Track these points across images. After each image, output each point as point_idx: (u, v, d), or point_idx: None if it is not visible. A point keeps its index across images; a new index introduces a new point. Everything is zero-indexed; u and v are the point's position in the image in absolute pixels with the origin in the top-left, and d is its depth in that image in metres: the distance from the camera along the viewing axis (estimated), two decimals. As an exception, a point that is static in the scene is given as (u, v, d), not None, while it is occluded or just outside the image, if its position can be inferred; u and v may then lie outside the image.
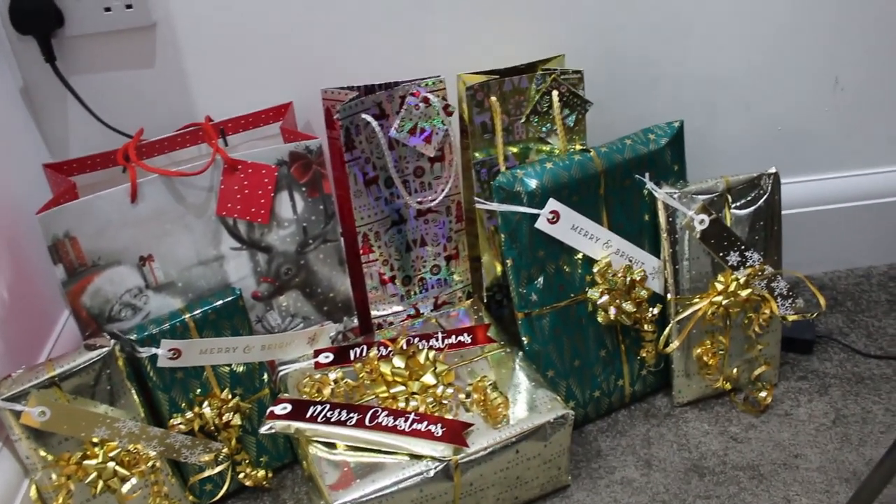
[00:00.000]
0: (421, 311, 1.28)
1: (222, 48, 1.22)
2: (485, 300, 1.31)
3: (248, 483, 1.15)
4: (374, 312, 1.25)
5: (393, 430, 1.04)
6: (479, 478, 1.04)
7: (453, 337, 1.20)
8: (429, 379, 1.10)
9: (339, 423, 1.05)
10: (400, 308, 1.27)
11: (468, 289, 1.31)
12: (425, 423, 1.05)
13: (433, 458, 1.02)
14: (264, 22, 1.21)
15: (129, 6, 1.16)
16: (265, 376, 1.15)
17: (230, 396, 1.12)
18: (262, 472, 1.16)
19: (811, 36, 1.32)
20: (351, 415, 1.06)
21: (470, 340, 1.19)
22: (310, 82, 1.23)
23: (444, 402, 1.08)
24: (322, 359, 1.18)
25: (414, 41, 1.26)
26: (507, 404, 1.07)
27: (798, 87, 1.36)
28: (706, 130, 1.37)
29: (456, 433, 1.03)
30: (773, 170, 1.19)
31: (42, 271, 1.19)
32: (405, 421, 1.05)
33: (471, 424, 1.05)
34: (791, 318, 1.21)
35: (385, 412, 1.06)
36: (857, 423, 1.21)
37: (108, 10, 1.16)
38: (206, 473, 1.12)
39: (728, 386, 1.25)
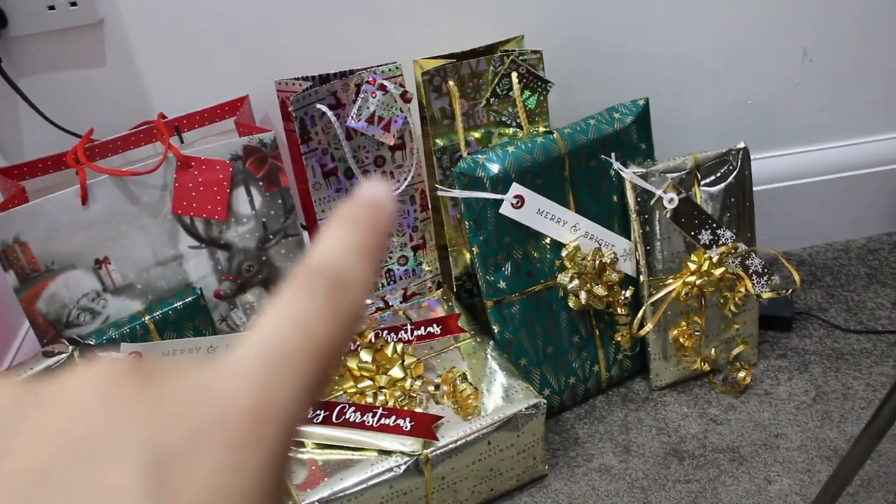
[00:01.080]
0: (390, 303, 1.25)
1: (173, 43, 1.19)
2: (454, 290, 1.29)
3: (217, 486, 1.13)
4: (341, 307, 1.23)
5: (360, 426, 1.02)
6: (451, 471, 1.02)
7: (422, 328, 1.17)
8: (396, 372, 1.07)
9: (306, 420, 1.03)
10: (368, 301, 1.24)
11: (438, 278, 1.29)
12: (393, 417, 1.02)
13: (402, 454, 0.99)
14: (216, 14, 1.18)
15: (73, 4, 1.13)
16: (231, 376, 1.12)
17: (195, 399, 1.09)
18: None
19: (778, 8, 1.30)
20: (318, 411, 1.04)
21: (440, 331, 1.17)
22: (265, 74, 1.20)
23: (413, 395, 1.06)
24: (288, 356, 1.15)
25: (369, 27, 1.23)
26: (478, 395, 1.05)
27: (766, 60, 1.34)
28: (674, 108, 1.35)
29: (425, 427, 1.01)
30: (741, 145, 1.17)
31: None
32: (373, 416, 1.02)
33: (440, 417, 1.03)
34: (766, 295, 1.18)
35: (352, 408, 1.04)
36: (837, 399, 1.19)
37: (52, 8, 1.12)
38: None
39: (706, 367, 1.22)
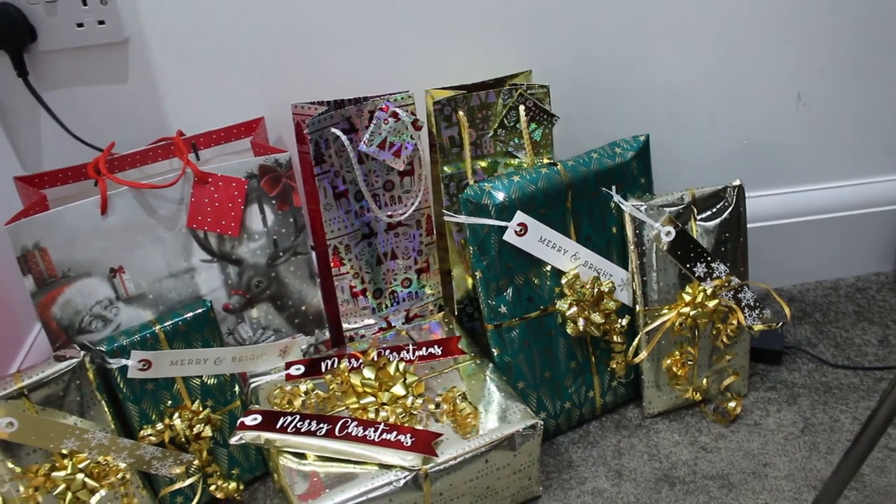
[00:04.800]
0: (392, 324, 1.29)
1: (194, 64, 1.23)
2: (456, 313, 1.32)
3: (219, 495, 1.15)
4: (345, 325, 1.26)
5: (362, 440, 1.04)
6: (448, 487, 1.05)
7: (424, 349, 1.21)
8: (398, 390, 1.11)
9: (309, 433, 1.06)
10: (371, 321, 1.27)
11: (439, 302, 1.32)
12: (395, 433, 1.05)
13: (402, 468, 1.02)
14: (236, 38, 1.22)
15: (101, 22, 1.17)
16: (236, 388, 1.15)
17: (201, 408, 1.12)
18: (233, 485, 1.16)
19: (774, 51, 1.35)
20: (321, 425, 1.06)
21: (441, 352, 1.20)
22: (281, 98, 1.25)
23: (414, 412, 1.09)
24: (293, 371, 1.18)
25: (383, 57, 1.27)
26: (477, 415, 1.08)
27: (762, 101, 1.39)
28: (671, 144, 1.39)
29: (425, 443, 1.04)
30: (737, 182, 1.21)
31: (12, 284, 1.19)
32: (375, 431, 1.05)
33: (440, 434, 1.06)
34: (758, 328, 1.22)
35: (355, 422, 1.06)
36: (825, 431, 1.22)
37: (80, 25, 1.17)
38: (177, 486, 1.12)
39: (698, 397, 1.26)
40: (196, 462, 1.12)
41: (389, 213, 1.22)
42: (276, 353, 1.19)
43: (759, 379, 1.33)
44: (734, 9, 1.31)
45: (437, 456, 1.03)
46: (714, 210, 1.21)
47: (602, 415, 1.29)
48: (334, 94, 1.21)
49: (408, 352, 1.20)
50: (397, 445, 1.04)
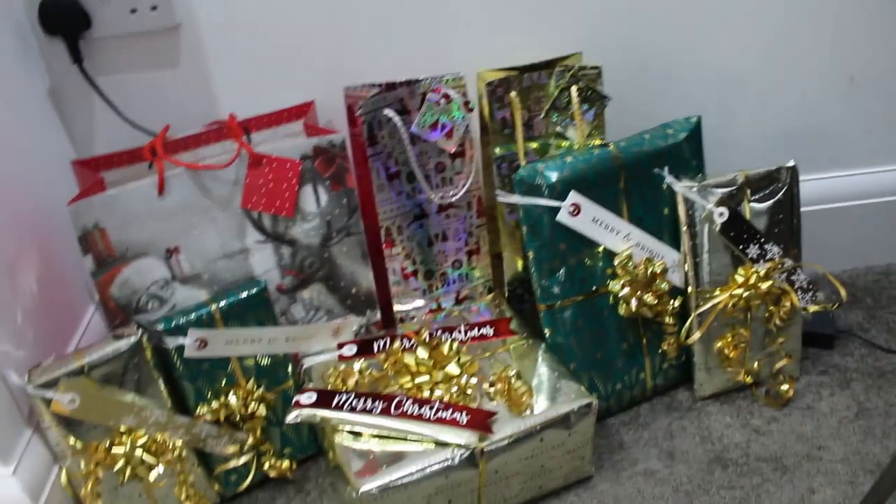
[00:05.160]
0: (442, 306, 1.29)
1: (245, 48, 1.24)
2: (506, 295, 1.32)
3: (272, 474, 1.16)
4: (396, 307, 1.26)
5: (418, 418, 1.05)
6: (503, 465, 1.05)
7: (476, 329, 1.21)
8: (453, 369, 1.11)
9: (365, 411, 1.06)
10: (422, 302, 1.28)
11: (489, 284, 1.32)
12: (450, 411, 1.05)
13: (458, 446, 1.02)
14: (286, 22, 1.24)
15: (154, 8, 1.18)
16: (289, 368, 1.16)
17: (255, 387, 1.13)
18: (286, 463, 1.16)
19: (826, 33, 1.34)
20: (376, 403, 1.07)
21: (492, 333, 1.20)
22: (330, 81, 1.25)
23: (468, 391, 1.09)
24: (346, 351, 1.19)
25: (432, 39, 1.28)
26: (531, 393, 1.08)
27: (814, 83, 1.38)
28: (722, 127, 1.38)
29: (481, 421, 1.04)
30: (791, 163, 1.20)
31: (70, 265, 1.21)
32: (430, 409, 1.06)
33: (495, 413, 1.06)
34: (812, 309, 1.21)
35: (410, 401, 1.07)
36: (880, 416, 1.21)
37: (133, 11, 1.18)
38: (231, 464, 1.13)
39: (749, 379, 1.25)
40: (250, 441, 1.13)
41: (441, 194, 1.23)
42: (328, 334, 1.19)
43: (811, 363, 1.32)
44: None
45: (492, 434, 1.03)
46: (767, 191, 1.20)
47: (652, 396, 1.28)
48: (382, 77, 1.21)
49: (460, 332, 1.20)
50: (453, 423, 1.04)
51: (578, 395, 1.09)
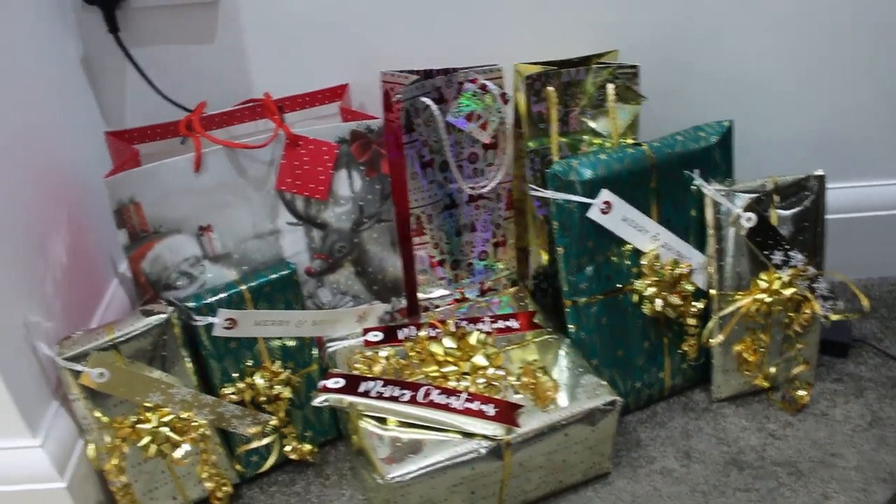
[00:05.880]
0: (467, 296, 1.29)
1: (282, 27, 1.24)
2: (530, 288, 1.32)
3: (293, 456, 1.16)
4: (420, 295, 1.26)
5: (445, 407, 1.05)
6: (528, 458, 1.05)
7: (500, 322, 1.21)
8: (480, 360, 1.11)
9: (392, 398, 1.06)
10: (446, 292, 1.28)
11: (513, 276, 1.32)
12: (477, 402, 1.06)
13: (485, 437, 1.03)
14: (324, 3, 1.23)
15: (194, -20, 1.17)
16: (314, 351, 1.16)
17: (281, 369, 1.13)
18: (307, 447, 1.17)
19: (859, 41, 1.34)
20: (404, 391, 1.07)
21: (517, 326, 1.20)
22: (365, 65, 1.25)
23: (495, 383, 1.09)
24: (371, 337, 1.19)
25: (469, 29, 1.28)
26: (557, 388, 1.09)
27: (844, 92, 1.38)
28: (751, 132, 1.39)
29: (507, 414, 1.05)
30: (820, 172, 1.21)
31: (96, 238, 1.20)
32: (458, 399, 1.06)
33: (521, 406, 1.06)
34: (834, 317, 1.22)
35: (438, 390, 1.07)
36: (893, 426, 1.22)
37: (174, -17, 1.17)
38: (254, 445, 1.13)
39: (766, 384, 1.26)
40: (273, 422, 1.13)
41: (472, 185, 1.23)
42: (353, 319, 1.19)
43: (826, 370, 1.33)
44: (818, -2, 1.31)
45: (519, 427, 1.04)
46: (795, 199, 1.21)
47: (669, 396, 1.29)
48: (418, 64, 1.21)
49: (485, 323, 1.20)
50: (480, 415, 1.04)
51: (603, 392, 1.09)
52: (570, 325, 1.19)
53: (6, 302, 0.95)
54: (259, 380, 1.10)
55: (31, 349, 0.99)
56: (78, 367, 0.99)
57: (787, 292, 1.20)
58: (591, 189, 1.13)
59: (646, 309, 1.20)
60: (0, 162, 0.97)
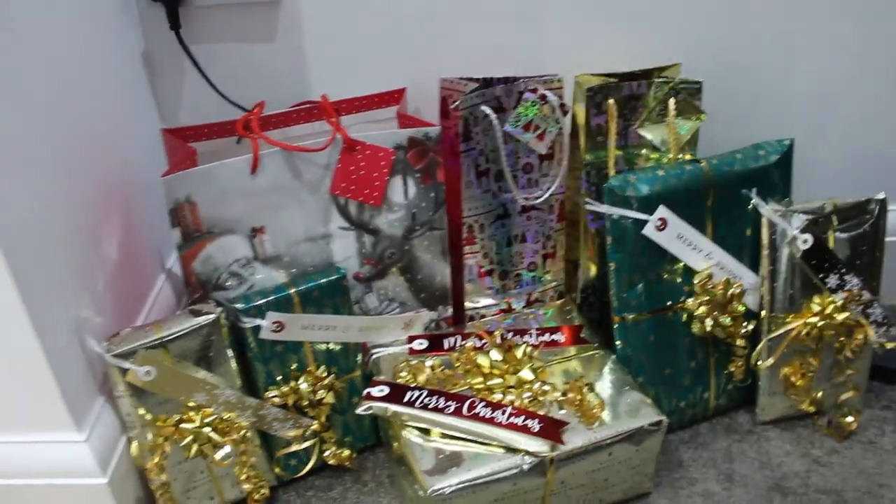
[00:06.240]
0: (513, 307, 1.28)
1: (341, 29, 1.23)
2: (578, 301, 1.31)
3: (331, 462, 1.16)
4: (467, 304, 1.26)
5: (490, 421, 1.04)
6: (570, 476, 1.05)
7: (547, 335, 1.20)
8: (526, 374, 1.10)
9: (437, 409, 1.06)
10: (492, 301, 1.27)
11: (560, 288, 1.31)
12: (522, 417, 1.05)
13: (528, 453, 1.02)
14: (386, 7, 1.22)
15: (256, -21, 1.17)
16: (358, 357, 1.16)
17: (325, 374, 1.12)
18: (346, 452, 1.16)
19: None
20: (449, 403, 1.06)
21: (563, 339, 1.19)
22: (422, 70, 1.24)
23: (540, 398, 1.08)
24: (416, 345, 1.18)
25: (527, 37, 1.26)
26: (603, 406, 1.07)
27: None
28: (808, 152, 1.36)
29: (552, 430, 1.04)
30: (882, 195, 1.19)
31: (146, 234, 1.20)
32: (503, 413, 1.05)
33: (567, 423, 1.05)
34: (890, 346, 1.20)
35: (483, 403, 1.06)
36: (943, 456, 1.20)
37: (236, -19, 1.17)
38: (293, 448, 1.13)
39: (812, 408, 1.24)
40: (314, 427, 1.13)
41: (525, 195, 1.22)
42: (399, 326, 1.19)
43: (874, 396, 1.31)
44: (881, 15, 1.28)
45: (563, 444, 1.03)
46: (854, 221, 1.19)
47: (713, 416, 1.28)
48: (478, 72, 1.20)
49: (531, 336, 1.19)
50: (524, 430, 1.03)
51: (648, 412, 1.08)
52: (617, 342, 1.18)
53: (60, 297, 0.96)
54: (303, 384, 1.10)
55: (81, 344, 0.99)
56: (126, 365, 0.99)
57: (840, 317, 1.18)
58: (648, 205, 1.11)
59: (695, 328, 1.18)
60: (58, 156, 0.97)
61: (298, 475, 1.17)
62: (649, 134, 1.21)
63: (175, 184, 1.03)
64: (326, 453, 1.16)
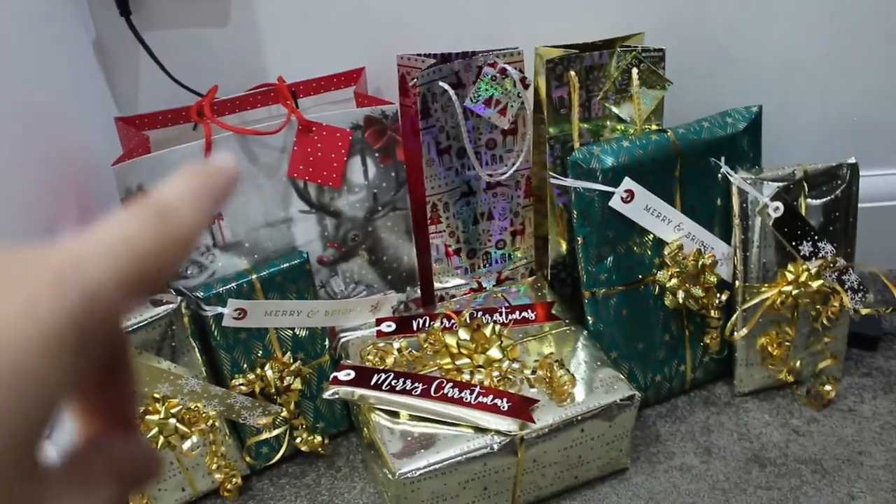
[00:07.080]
0: (483, 286, 1.26)
1: (295, 9, 1.21)
2: (548, 278, 1.29)
3: (304, 448, 1.14)
4: (436, 284, 1.24)
5: (458, 401, 1.02)
6: (542, 454, 1.03)
7: (517, 312, 1.18)
8: (495, 353, 1.08)
9: (404, 392, 1.04)
10: (462, 281, 1.25)
11: (531, 265, 1.29)
12: (491, 396, 1.03)
13: (498, 432, 1.00)
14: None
15: (207, -38, 1.15)
16: (326, 342, 1.14)
17: (292, 360, 1.11)
18: (318, 438, 1.15)
19: (894, 25, 1.29)
20: (416, 385, 1.05)
21: (534, 317, 1.18)
22: (381, 48, 1.22)
23: (510, 376, 1.07)
24: (384, 327, 1.17)
25: (488, 11, 1.24)
26: (574, 382, 1.06)
27: (877, 76, 1.33)
28: (779, 118, 1.34)
29: (522, 408, 1.02)
30: (852, 160, 1.17)
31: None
32: (471, 393, 1.03)
33: (536, 400, 1.04)
34: (863, 311, 1.18)
35: (450, 384, 1.05)
36: (923, 422, 1.19)
37: (186, -36, 1.14)
38: (264, 436, 1.11)
39: (791, 378, 1.23)
40: (283, 414, 1.11)
41: (490, 172, 1.20)
42: (367, 309, 1.17)
43: (854, 364, 1.29)
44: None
45: (534, 422, 1.01)
46: (826, 188, 1.17)
47: (690, 390, 1.26)
48: (436, 47, 1.17)
49: (500, 314, 1.18)
50: (494, 409, 1.02)
51: (620, 387, 1.06)
52: (588, 317, 1.16)
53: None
54: (269, 371, 1.09)
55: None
56: (85, 358, 0.97)
57: (815, 284, 1.16)
58: (613, 177, 1.09)
59: (667, 301, 1.16)
60: (8, 146, 0.95)
61: (270, 463, 1.15)
62: (614, 106, 1.18)
63: (126, 172, 1.00)
64: (298, 440, 1.14)
